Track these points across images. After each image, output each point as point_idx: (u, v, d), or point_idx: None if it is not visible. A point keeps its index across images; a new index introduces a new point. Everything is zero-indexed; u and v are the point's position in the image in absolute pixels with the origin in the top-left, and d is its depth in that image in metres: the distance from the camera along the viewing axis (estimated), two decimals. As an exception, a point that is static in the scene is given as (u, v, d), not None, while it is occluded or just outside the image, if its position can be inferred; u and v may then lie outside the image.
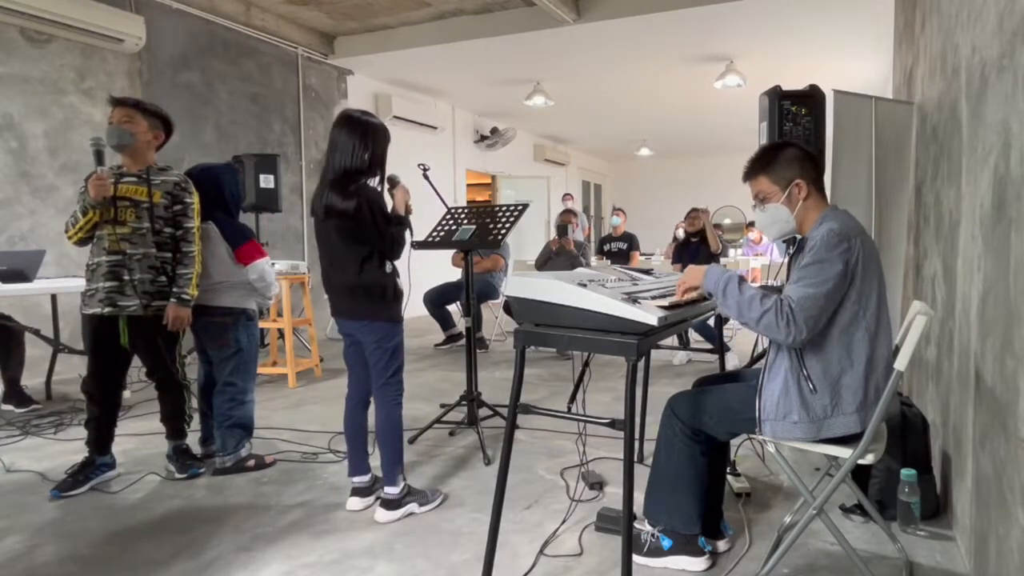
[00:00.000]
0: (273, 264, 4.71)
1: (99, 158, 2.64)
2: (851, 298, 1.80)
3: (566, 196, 9.69)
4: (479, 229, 3.39)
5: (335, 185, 2.43)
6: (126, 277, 2.70)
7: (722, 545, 2.18)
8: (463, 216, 3.56)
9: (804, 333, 1.76)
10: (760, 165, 2.00)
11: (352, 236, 2.43)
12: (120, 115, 2.73)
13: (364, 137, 2.45)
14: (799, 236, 2.01)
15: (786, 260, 3.32)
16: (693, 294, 1.97)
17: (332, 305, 2.58)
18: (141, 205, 2.73)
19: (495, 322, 6.93)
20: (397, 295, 2.53)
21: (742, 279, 1.84)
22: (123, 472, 2.95)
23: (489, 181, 11.47)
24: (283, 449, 3.27)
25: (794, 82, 3.42)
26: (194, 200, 2.83)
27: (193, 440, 3.07)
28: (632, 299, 1.81)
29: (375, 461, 2.64)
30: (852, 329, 1.81)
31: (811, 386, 1.82)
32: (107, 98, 2.89)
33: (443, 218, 3.61)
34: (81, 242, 2.76)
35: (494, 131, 10.52)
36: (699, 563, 2.05)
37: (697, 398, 2.07)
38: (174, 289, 2.76)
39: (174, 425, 2.96)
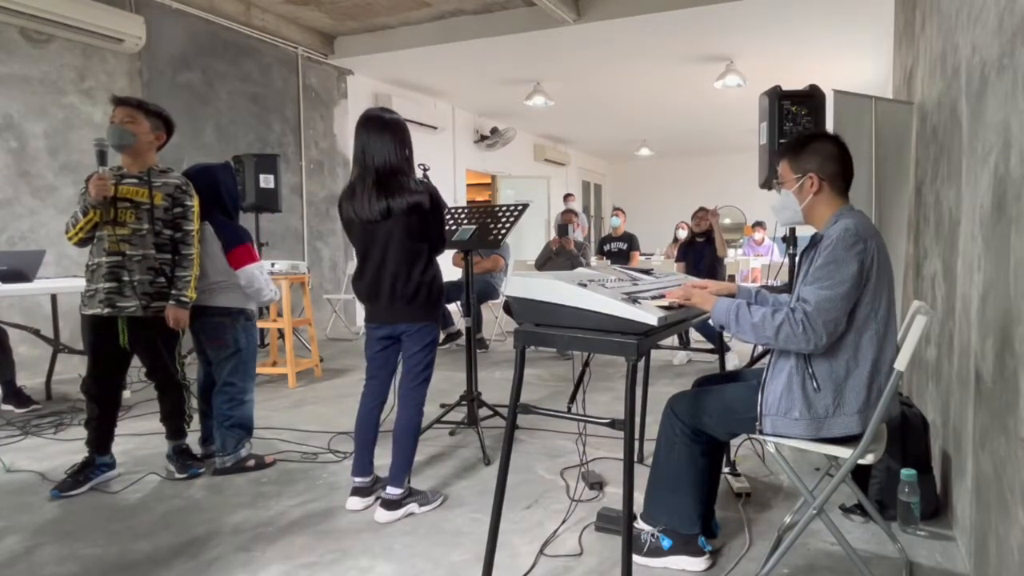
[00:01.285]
0: (273, 264, 4.74)
1: (102, 158, 2.64)
2: (865, 299, 1.79)
3: (568, 196, 9.68)
4: (479, 229, 3.39)
5: (387, 185, 2.43)
6: (126, 278, 2.70)
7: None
8: (463, 216, 3.56)
9: (824, 338, 1.75)
10: (787, 149, 2.03)
11: (419, 232, 2.47)
12: (122, 115, 2.72)
13: (397, 133, 2.48)
14: (814, 232, 2.00)
15: (786, 260, 3.33)
16: (684, 302, 1.96)
17: (382, 310, 2.53)
18: (141, 206, 2.72)
19: (495, 322, 6.93)
20: (444, 293, 2.62)
21: (748, 303, 1.84)
22: (123, 472, 2.95)
23: (489, 181, 11.48)
24: (283, 449, 3.27)
25: (794, 82, 3.42)
26: (194, 203, 2.83)
27: (193, 440, 3.07)
28: (632, 299, 1.81)
29: (378, 461, 2.64)
30: (863, 330, 1.81)
31: (815, 384, 1.82)
32: (109, 97, 2.89)
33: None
34: (81, 242, 2.76)
35: (494, 131, 10.53)
36: (699, 563, 2.05)
37: (697, 398, 2.07)
38: (172, 291, 2.76)
39: (174, 425, 2.96)
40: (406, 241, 2.46)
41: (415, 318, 2.51)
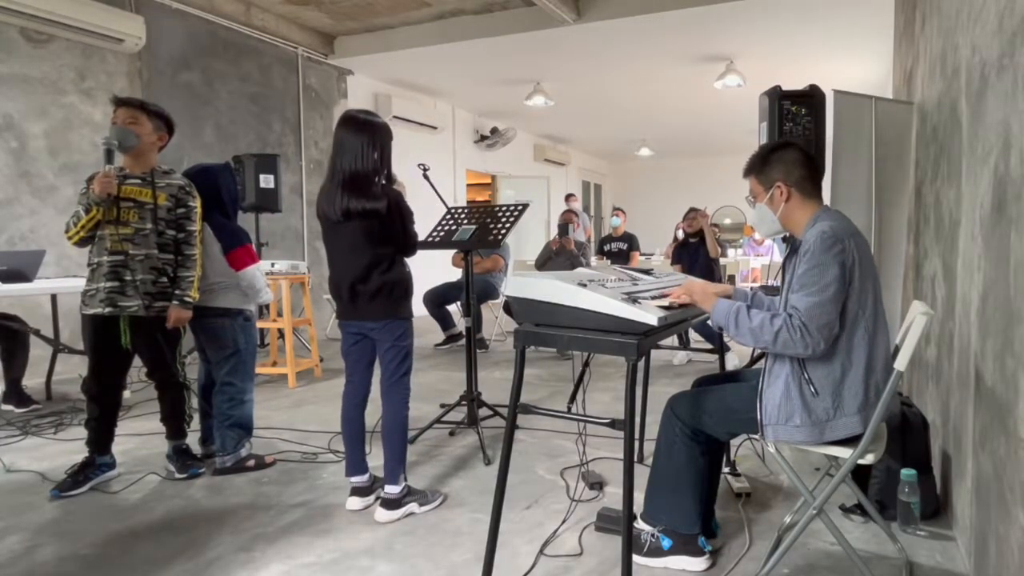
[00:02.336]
0: (273, 264, 4.74)
1: (109, 157, 2.63)
2: (851, 299, 1.80)
3: (570, 196, 9.68)
4: (479, 229, 3.39)
5: (351, 187, 2.44)
6: (128, 277, 2.70)
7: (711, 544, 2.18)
8: (463, 216, 3.56)
9: (821, 343, 1.76)
10: (751, 165, 2.04)
11: (379, 236, 2.47)
12: (124, 116, 2.71)
13: (371, 137, 2.47)
14: (794, 236, 2.01)
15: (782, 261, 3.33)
16: (686, 300, 1.97)
17: (346, 307, 2.55)
18: (145, 206, 2.72)
19: (495, 322, 6.93)
20: (411, 293, 2.60)
21: (748, 307, 1.85)
22: (123, 472, 2.95)
23: (489, 181, 11.47)
24: (283, 449, 3.27)
25: (794, 82, 3.42)
26: (197, 204, 2.83)
27: (193, 440, 3.07)
28: (632, 299, 1.81)
29: (373, 461, 2.64)
30: (852, 330, 1.81)
31: (813, 389, 1.82)
32: (109, 98, 2.89)
33: (443, 218, 3.61)
34: (82, 241, 2.75)
35: (494, 131, 10.52)
36: (699, 563, 2.05)
37: (697, 398, 2.07)
38: (176, 292, 2.76)
39: (174, 425, 2.96)
40: (365, 244, 2.46)
41: (378, 315, 2.51)
